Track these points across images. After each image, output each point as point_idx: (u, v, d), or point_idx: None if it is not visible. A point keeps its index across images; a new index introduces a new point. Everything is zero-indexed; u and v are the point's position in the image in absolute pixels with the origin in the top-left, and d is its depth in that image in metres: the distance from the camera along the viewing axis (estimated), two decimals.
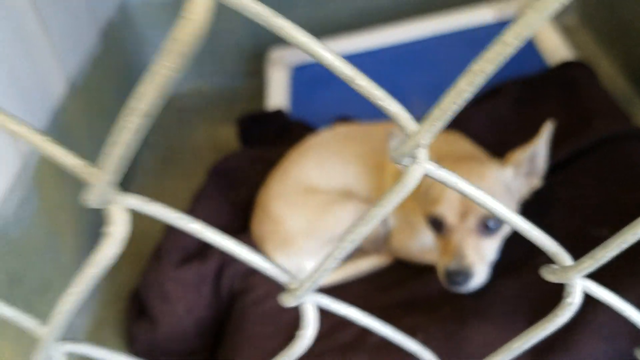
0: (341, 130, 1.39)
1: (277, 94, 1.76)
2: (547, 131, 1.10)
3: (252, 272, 1.27)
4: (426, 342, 1.05)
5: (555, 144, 1.33)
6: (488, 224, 1.05)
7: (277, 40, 2.03)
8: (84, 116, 1.60)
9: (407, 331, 1.09)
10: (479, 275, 1.05)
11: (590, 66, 1.51)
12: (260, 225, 1.32)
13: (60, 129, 1.47)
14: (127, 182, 1.81)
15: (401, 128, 0.29)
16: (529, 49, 1.69)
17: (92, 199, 0.29)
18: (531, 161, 1.12)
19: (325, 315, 1.16)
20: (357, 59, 1.82)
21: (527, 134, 1.43)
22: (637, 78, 1.64)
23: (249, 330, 1.17)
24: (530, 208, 1.25)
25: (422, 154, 0.29)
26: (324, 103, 1.78)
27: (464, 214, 1.04)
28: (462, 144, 1.27)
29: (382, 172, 1.28)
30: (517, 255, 1.17)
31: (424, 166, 0.29)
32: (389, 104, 0.28)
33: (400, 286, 1.22)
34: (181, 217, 0.32)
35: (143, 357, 1.35)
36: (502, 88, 1.52)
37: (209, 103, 2.11)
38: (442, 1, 1.95)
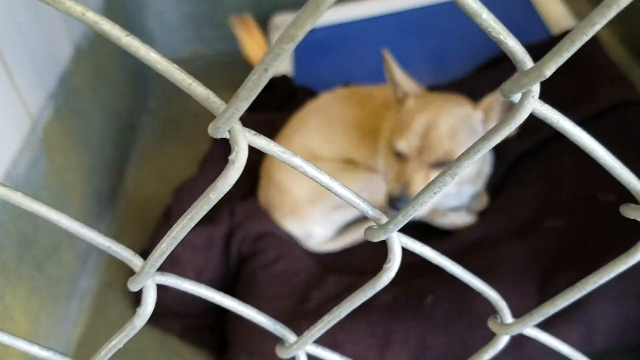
0: (341, 93, 1.39)
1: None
2: None
3: (261, 236, 1.27)
4: (436, 303, 1.08)
5: (561, 111, 1.35)
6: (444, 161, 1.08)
7: (278, 6, 2.02)
8: (88, 79, 1.59)
9: (417, 293, 1.12)
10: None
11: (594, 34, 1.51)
12: (267, 194, 1.32)
13: (67, 92, 1.45)
14: (128, 146, 1.80)
15: (517, 63, 0.30)
16: (534, 18, 1.69)
17: (217, 126, 0.30)
18: (507, 109, 1.10)
19: (337, 279, 1.18)
20: (364, 24, 1.82)
21: None
22: (636, 46, 1.65)
23: (260, 291, 1.18)
24: (538, 173, 1.27)
25: (536, 88, 0.30)
26: (325, 69, 1.77)
27: (421, 149, 1.08)
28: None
29: (377, 137, 1.30)
30: (525, 218, 1.19)
31: (534, 104, 0.31)
32: (508, 39, 0.29)
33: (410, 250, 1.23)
34: (285, 152, 0.32)
35: (152, 317, 1.36)
36: (507, 56, 1.52)
37: (209, 68, 2.09)
38: None
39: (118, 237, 1.56)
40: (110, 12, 1.79)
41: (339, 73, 1.75)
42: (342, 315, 0.44)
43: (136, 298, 1.38)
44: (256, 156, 1.45)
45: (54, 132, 1.38)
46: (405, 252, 1.27)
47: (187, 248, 1.27)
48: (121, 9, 1.91)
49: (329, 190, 0.36)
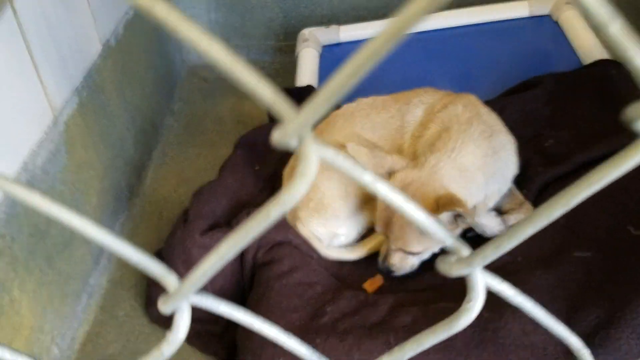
0: (365, 101, 1.33)
1: (307, 73, 1.69)
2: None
3: (277, 244, 1.20)
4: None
5: (593, 139, 1.27)
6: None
7: (306, 21, 1.96)
8: (114, 76, 1.53)
9: (437, 317, 1.04)
10: (402, 272, 1.14)
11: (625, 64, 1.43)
12: None
13: (92, 87, 1.39)
14: (150, 146, 1.74)
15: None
16: (566, 48, 1.62)
17: (285, 134, 0.24)
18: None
19: (353, 295, 1.11)
20: None
21: (560, 129, 1.37)
22: None
23: (274, 302, 1.10)
24: None
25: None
26: None
27: (388, 236, 1.12)
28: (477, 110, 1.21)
29: (403, 134, 1.25)
30: (552, 247, 1.11)
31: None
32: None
33: (430, 270, 1.16)
34: (355, 168, 0.26)
35: (160, 320, 1.29)
36: (537, 81, 1.45)
37: None
38: None
39: (132, 235, 1.49)
40: (140, 16, 1.74)
41: (362, 88, 1.68)
42: (406, 358, 0.36)
43: (147, 300, 1.30)
44: (274, 166, 1.38)
45: (76, 127, 1.31)
46: (425, 272, 1.18)
47: (202, 250, 1.19)
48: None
49: (401, 211, 0.28)
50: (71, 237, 1.26)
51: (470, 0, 1.85)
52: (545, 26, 1.71)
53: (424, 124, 1.22)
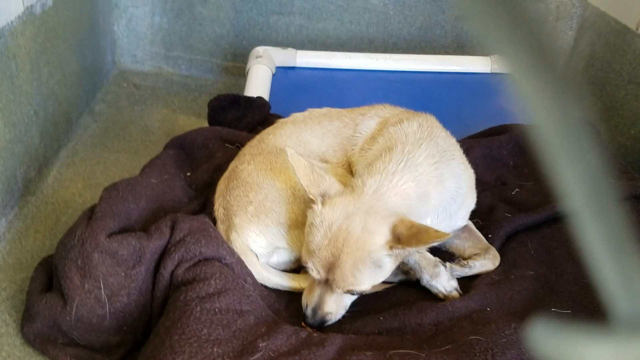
0: (318, 111, 1.18)
1: (258, 90, 1.49)
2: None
3: (204, 260, 0.96)
4: None
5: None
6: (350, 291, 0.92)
7: (260, 42, 1.79)
8: (32, 49, 1.27)
9: None
10: (337, 317, 0.95)
11: (594, 125, 1.35)
12: (228, 194, 1.04)
13: (3, 49, 1.13)
14: (59, 141, 1.46)
15: None
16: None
17: None
18: (412, 236, 0.87)
19: (293, 331, 0.87)
20: (351, 75, 1.62)
21: (526, 180, 1.25)
22: (626, 156, 1.51)
23: (191, 330, 0.85)
24: (537, 254, 1.04)
25: None
26: (301, 108, 1.54)
27: (330, 279, 0.90)
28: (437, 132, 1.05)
29: (353, 143, 1.09)
30: (524, 301, 0.96)
31: None
32: None
33: (383, 311, 0.96)
34: None
35: (39, 341, 0.99)
36: (503, 129, 1.34)
37: (171, 89, 1.80)
38: (442, 45, 1.80)
39: (20, 238, 1.19)
40: (75, 3, 1.50)
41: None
42: None
43: (25, 316, 1.00)
44: (209, 173, 1.15)
45: None
46: (377, 313, 0.95)
47: (105, 257, 0.93)
48: (89, 4, 1.62)
49: None
50: None
51: (435, 49, 1.77)
52: (507, 84, 1.62)
53: (374, 137, 1.06)
